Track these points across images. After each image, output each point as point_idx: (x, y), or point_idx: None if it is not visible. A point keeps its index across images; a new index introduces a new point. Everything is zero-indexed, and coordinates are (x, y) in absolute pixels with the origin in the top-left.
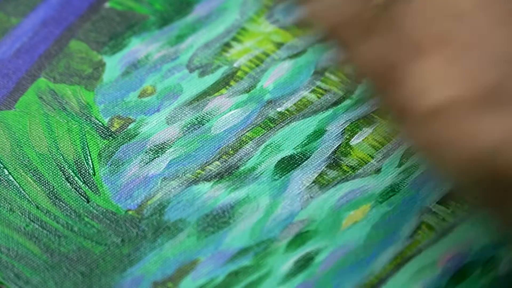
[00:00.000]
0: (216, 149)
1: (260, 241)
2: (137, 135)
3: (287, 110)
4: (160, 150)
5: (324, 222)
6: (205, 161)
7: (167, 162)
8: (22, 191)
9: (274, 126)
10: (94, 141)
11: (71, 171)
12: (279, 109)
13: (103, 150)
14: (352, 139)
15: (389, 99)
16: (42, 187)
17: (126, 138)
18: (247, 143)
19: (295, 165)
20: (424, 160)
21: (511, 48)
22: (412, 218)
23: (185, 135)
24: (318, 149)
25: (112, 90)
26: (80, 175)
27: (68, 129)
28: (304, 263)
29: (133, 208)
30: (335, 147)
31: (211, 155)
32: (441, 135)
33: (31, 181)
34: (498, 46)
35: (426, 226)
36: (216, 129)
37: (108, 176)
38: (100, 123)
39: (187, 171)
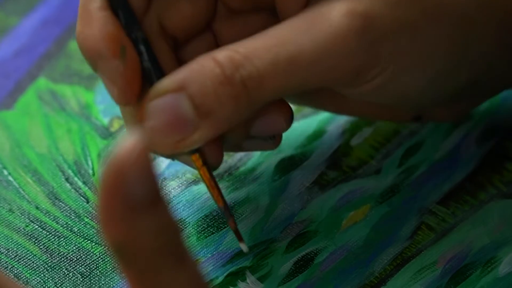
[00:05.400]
0: None
1: (260, 241)
2: None
3: None
4: None
5: (324, 223)
6: None
7: (167, 162)
8: (22, 192)
9: None
10: (94, 142)
11: (70, 171)
12: None
13: (102, 151)
14: (352, 140)
15: None
16: (42, 187)
17: None
18: None
19: (295, 166)
20: None
21: None
22: (412, 219)
23: None
24: (318, 149)
25: None
26: (80, 175)
27: (68, 129)
28: (304, 263)
29: None
30: (335, 147)
31: None
32: None
33: (31, 181)
34: None
35: (426, 226)
36: None
37: None
38: (100, 124)
39: (187, 172)
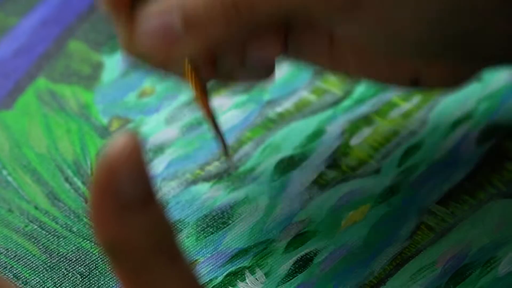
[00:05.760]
0: (215, 149)
1: (259, 241)
2: None
3: (287, 110)
4: (159, 150)
5: (324, 223)
6: (204, 162)
7: (166, 162)
8: (21, 192)
9: (273, 127)
10: (93, 142)
11: (70, 171)
12: (278, 110)
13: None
14: (352, 139)
15: None
16: (41, 187)
17: None
18: (246, 143)
19: (295, 166)
20: None
21: None
22: (411, 219)
23: (184, 135)
24: (318, 149)
25: (111, 90)
26: (79, 175)
27: (67, 129)
28: (303, 263)
29: None
30: (335, 147)
31: (210, 156)
32: None
33: (30, 181)
34: None
35: (426, 226)
36: None
37: None
38: (99, 124)
39: (186, 172)
